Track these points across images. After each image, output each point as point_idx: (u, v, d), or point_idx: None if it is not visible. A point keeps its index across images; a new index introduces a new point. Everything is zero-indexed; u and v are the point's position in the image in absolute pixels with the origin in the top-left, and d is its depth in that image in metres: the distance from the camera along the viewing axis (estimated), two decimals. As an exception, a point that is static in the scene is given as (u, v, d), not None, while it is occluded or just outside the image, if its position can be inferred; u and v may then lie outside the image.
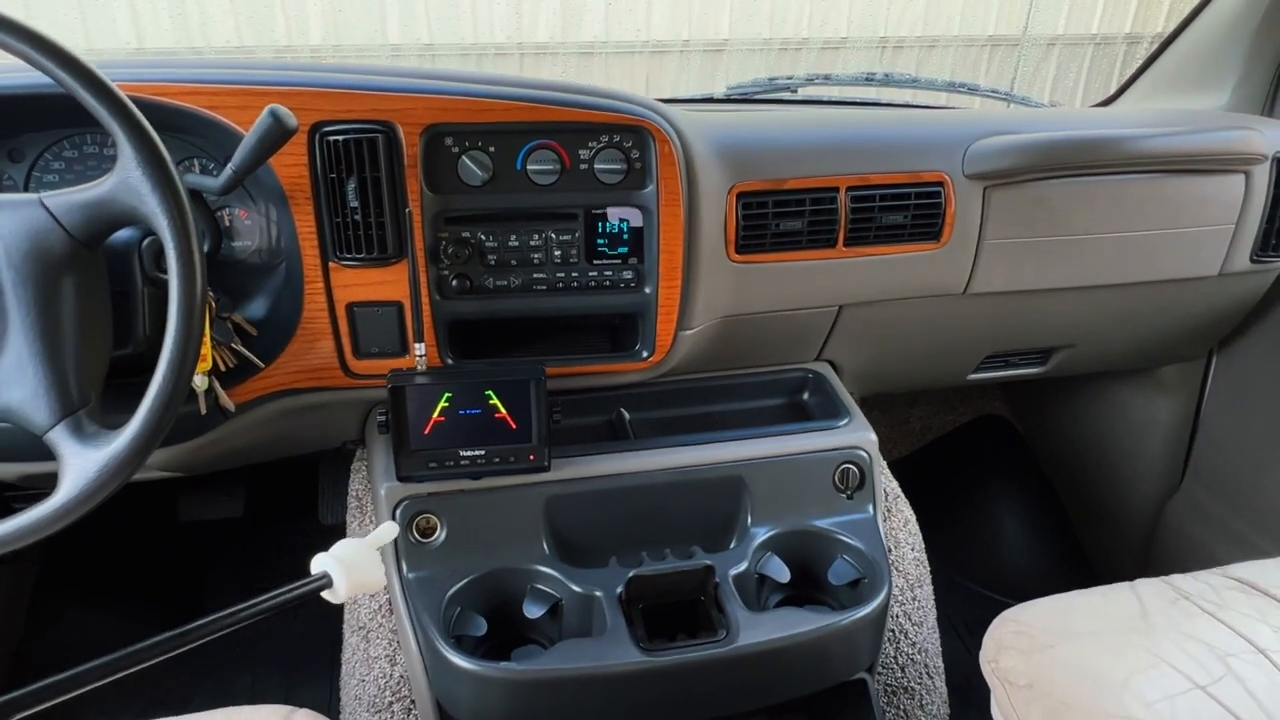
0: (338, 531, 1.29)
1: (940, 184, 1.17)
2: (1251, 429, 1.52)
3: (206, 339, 0.94)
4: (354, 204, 0.98)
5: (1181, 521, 1.66)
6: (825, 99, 1.68)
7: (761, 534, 1.13)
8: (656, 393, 1.25)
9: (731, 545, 1.13)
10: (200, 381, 0.96)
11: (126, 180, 0.74)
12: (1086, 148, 1.18)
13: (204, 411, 0.99)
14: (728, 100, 1.59)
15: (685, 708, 1.00)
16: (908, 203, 1.16)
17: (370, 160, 0.96)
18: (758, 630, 0.98)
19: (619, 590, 1.01)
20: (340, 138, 0.95)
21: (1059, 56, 5.58)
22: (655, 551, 1.08)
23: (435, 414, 1.01)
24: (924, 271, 1.22)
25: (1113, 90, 1.70)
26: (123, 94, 0.73)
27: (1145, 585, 1.06)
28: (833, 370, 1.33)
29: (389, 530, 0.85)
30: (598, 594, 1.02)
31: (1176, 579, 1.07)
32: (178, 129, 0.98)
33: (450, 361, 1.08)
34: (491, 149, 1.02)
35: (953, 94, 1.68)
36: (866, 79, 1.69)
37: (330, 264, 1.01)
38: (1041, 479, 1.95)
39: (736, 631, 0.98)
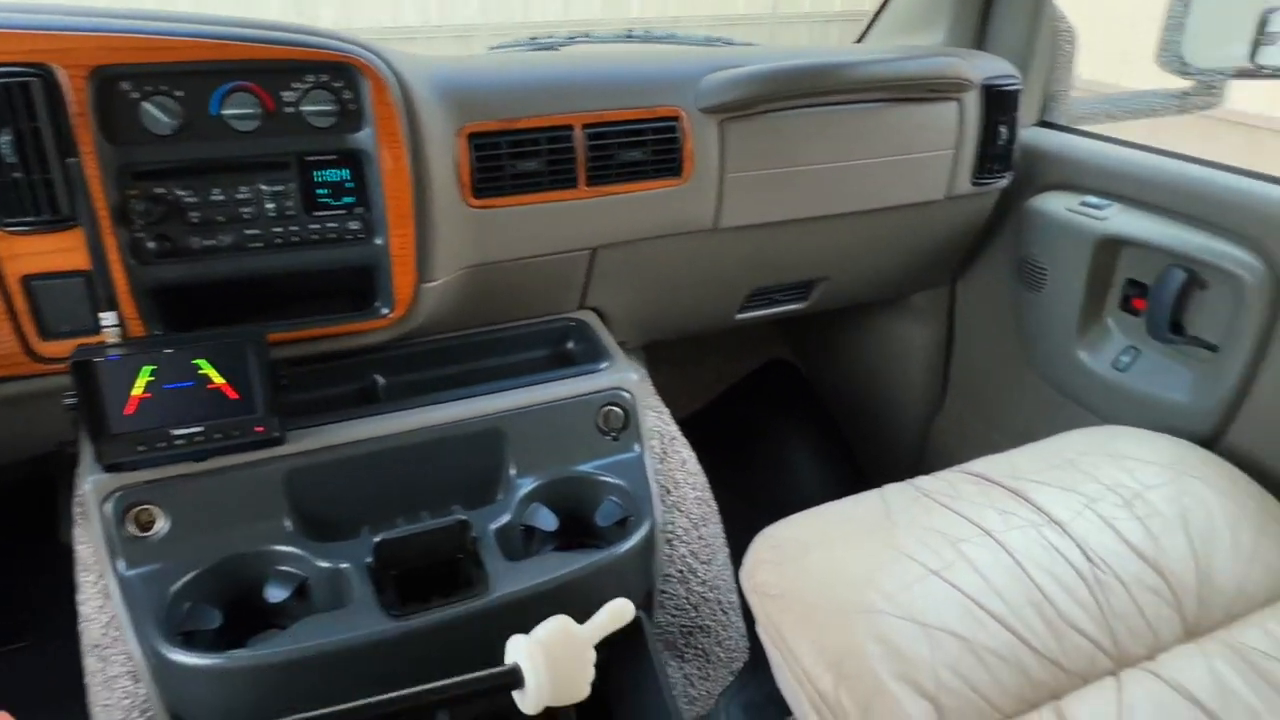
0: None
1: (675, 119, 1.17)
2: (996, 348, 1.64)
3: None
4: (12, 160, 0.86)
5: (945, 438, 1.78)
6: (586, 56, 1.66)
7: (526, 485, 1.09)
8: (412, 354, 1.19)
9: (496, 499, 1.09)
10: None
11: None
12: (807, 75, 1.22)
13: None
14: (486, 59, 1.54)
15: (445, 668, 0.95)
16: (645, 139, 1.16)
17: (26, 109, 0.85)
18: (516, 579, 0.95)
19: (368, 559, 0.95)
20: None
21: (810, 31, 6.36)
22: (412, 515, 1.03)
23: (137, 390, 0.91)
24: (670, 208, 1.22)
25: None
26: None
27: (892, 488, 1.11)
28: (599, 318, 1.32)
29: (622, 609, 0.65)
30: (345, 566, 0.95)
31: (920, 480, 1.13)
32: None
33: (158, 334, 0.97)
34: (179, 93, 0.92)
35: (711, 49, 1.70)
36: (628, 36, 1.70)
37: None
38: (825, 414, 2.04)
39: (493, 583, 0.94)
